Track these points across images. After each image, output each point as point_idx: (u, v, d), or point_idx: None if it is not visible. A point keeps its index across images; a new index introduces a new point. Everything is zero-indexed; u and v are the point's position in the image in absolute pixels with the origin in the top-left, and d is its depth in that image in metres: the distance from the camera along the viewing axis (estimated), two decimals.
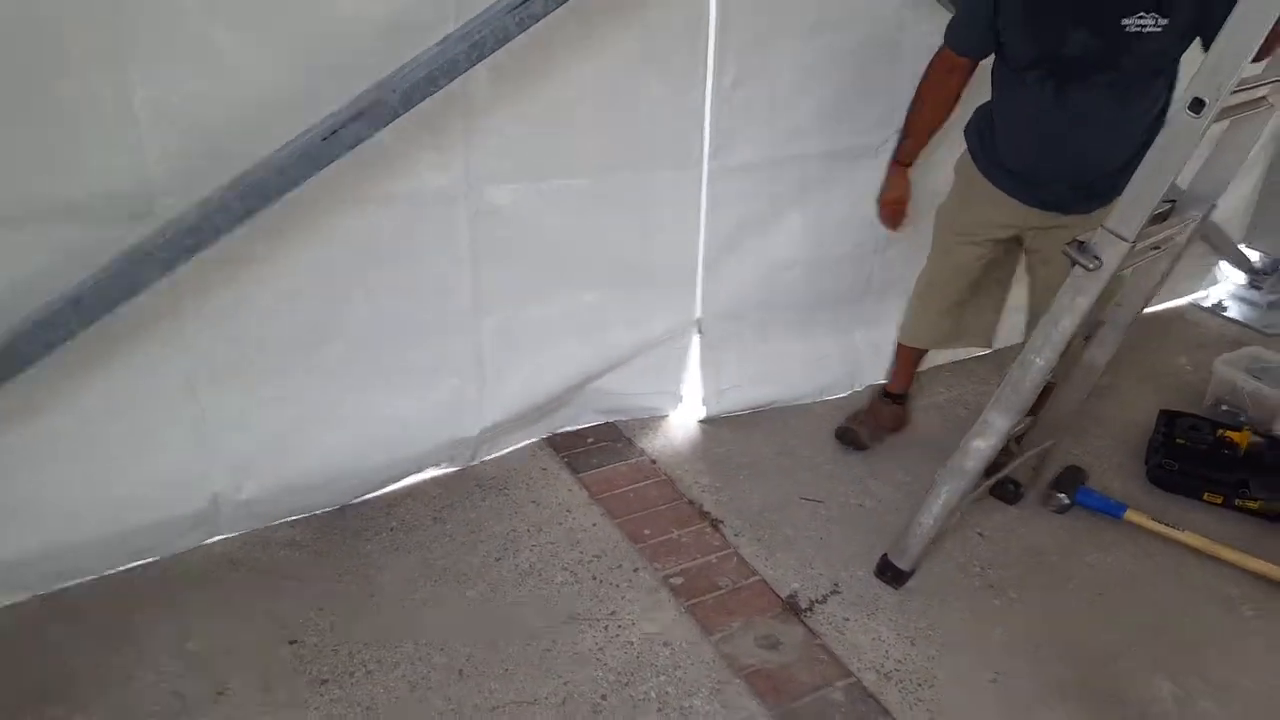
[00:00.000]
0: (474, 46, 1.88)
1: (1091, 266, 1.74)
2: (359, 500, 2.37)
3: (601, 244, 2.40)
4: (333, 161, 1.84)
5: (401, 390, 2.28)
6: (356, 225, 2.06)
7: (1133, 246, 1.71)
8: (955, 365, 3.19)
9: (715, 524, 2.39)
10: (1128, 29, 1.90)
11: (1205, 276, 3.76)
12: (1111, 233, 1.72)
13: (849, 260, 2.78)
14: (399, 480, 2.41)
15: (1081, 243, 1.75)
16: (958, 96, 2.30)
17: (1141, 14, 1.88)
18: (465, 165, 2.12)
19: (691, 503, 2.47)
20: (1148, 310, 3.50)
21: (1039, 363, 1.88)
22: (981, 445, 2.02)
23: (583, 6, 2.02)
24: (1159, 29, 1.89)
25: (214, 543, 2.23)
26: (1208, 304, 3.73)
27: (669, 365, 2.73)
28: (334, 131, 1.83)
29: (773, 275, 2.71)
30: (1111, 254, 1.73)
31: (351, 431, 2.25)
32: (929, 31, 2.50)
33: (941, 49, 2.23)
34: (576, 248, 2.37)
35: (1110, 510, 2.45)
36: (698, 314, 2.67)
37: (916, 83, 2.40)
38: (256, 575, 2.16)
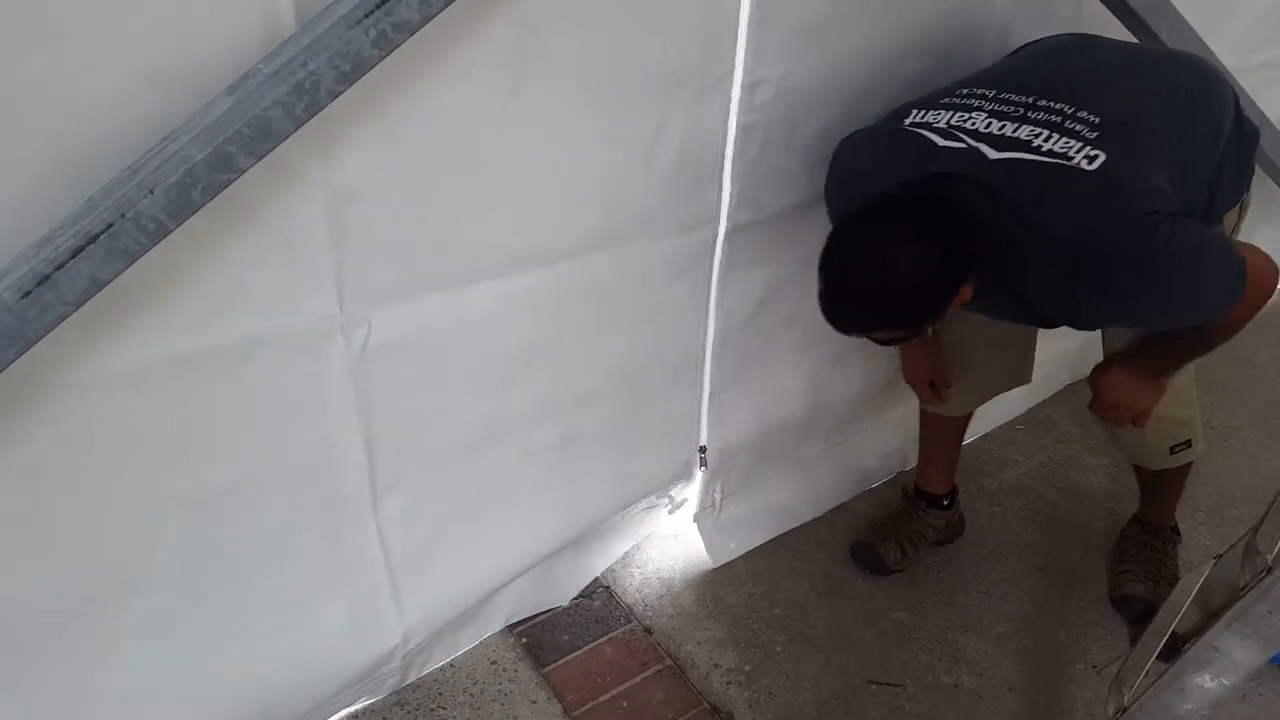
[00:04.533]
0: (298, 91, 1.02)
1: None
2: None
3: (562, 365, 1.55)
4: (48, 332, 0.99)
5: (264, 633, 1.44)
6: (155, 409, 1.18)
7: None
8: (1026, 416, 2.44)
9: None
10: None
11: None
12: None
13: None
14: None
15: None
16: None
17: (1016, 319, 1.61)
18: (336, 280, 1.24)
19: (716, 711, 1.69)
20: None
21: None
22: (1209, 684, 1.26)
23: None
24: None
25: None
26: None
27: (671, 484, 1.92)
28: (42, 280, 0.97)
29: (798, 358, 1.90)
30: None
31: (189, 714, 1.42)
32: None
33: None
34: (524, 376, 1.52)
35: None
36: (703, 436, 1.85)
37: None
38: None
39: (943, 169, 1.36)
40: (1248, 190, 1.60)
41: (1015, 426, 2.40)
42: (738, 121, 1.48)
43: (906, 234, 1.30)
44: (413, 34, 1.06)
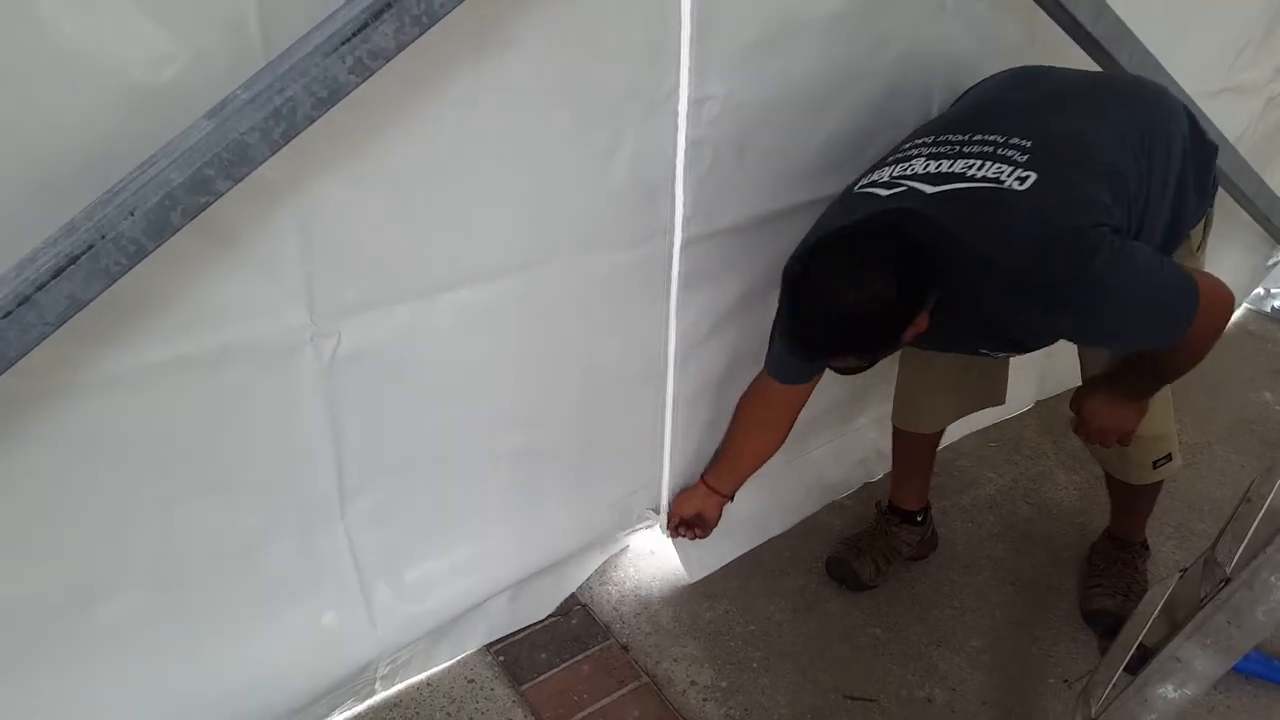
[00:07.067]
0: (276, 117, 1.05)
1: None
2: None
3: (526, 372, 1.59)
4: (28, 351, 1.01)
5: (237, 642, 1.45)
6: (127, 415, 1.21)
7: None
8: (997, 432, 2.47)
9: None
10: (982, 351, 1.68)
11: (1258, 268, 3.05)
12: None
13: None
14: None
15: None
16: (790, 423, 1.82)
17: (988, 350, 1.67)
18: (307, 293, 1.28)
19: None
20: None
21: None
22: (1172, 695, 1.29)
23: (473, 21, 1.20)
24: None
25: None
26: (1270, 307, 3.08)
27: (638, 499, 1.94)
28: (23, 300, 0.98)
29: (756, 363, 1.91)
30: None
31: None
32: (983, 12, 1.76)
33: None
34: (490, 384, 1.55)
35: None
36: (668, 434, 1.88)
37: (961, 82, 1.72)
38: None
39: (887, 208, 1.40)
40: (1211, 205, 1.64)
41: (988, 443, 2.44)
42: (687, 137, 1.52)
43: (862, 263, 1.34)
44: (388, 61, 1.09)
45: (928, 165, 1.42)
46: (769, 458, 1.86)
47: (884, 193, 1.43)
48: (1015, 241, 1.33)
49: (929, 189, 1.38)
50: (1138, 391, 1.62)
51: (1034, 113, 1.49)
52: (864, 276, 1.33)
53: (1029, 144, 1.39)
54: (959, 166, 1.39)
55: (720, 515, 1.92)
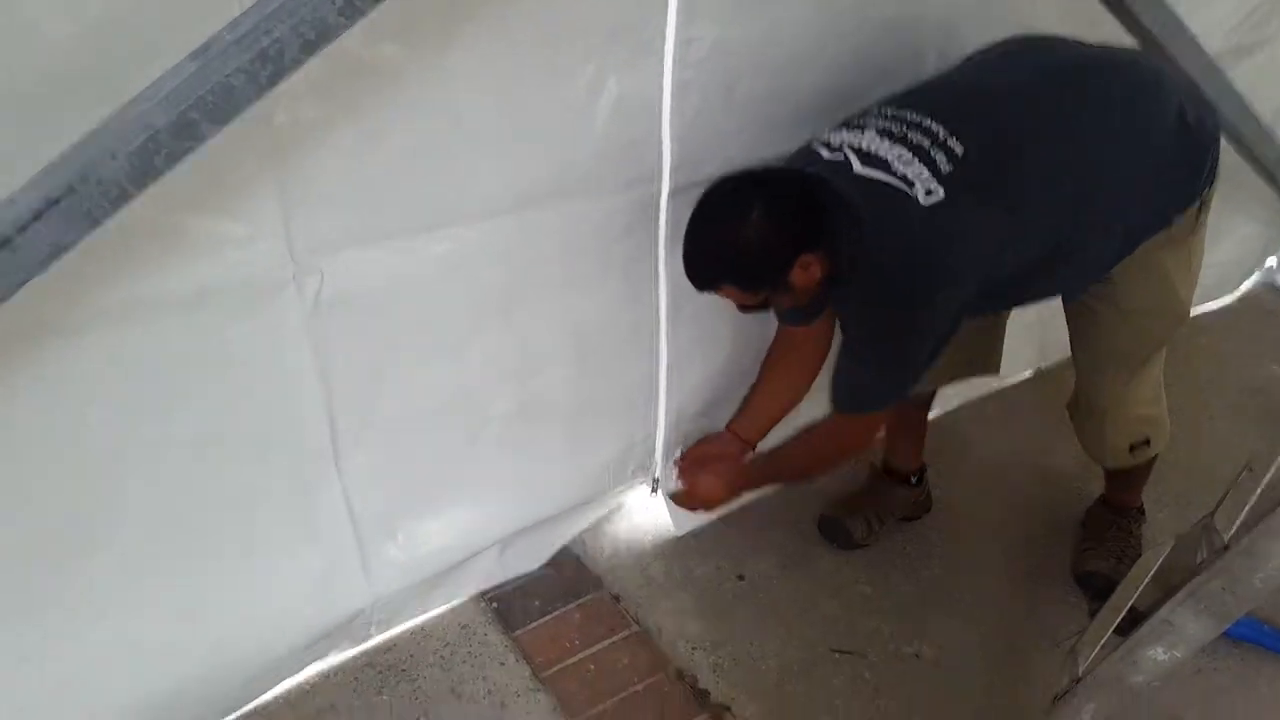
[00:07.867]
0: (262, 59, 1.03)
1: None
2: None
3: (515, 317, 1.58)
4: (8, 297, 1.00)
5: (233, 586, 1.48)
6: (113, 356, 1.21)
7: None
8: (996, 399, 2.45)
9: (721, 715, 1.65)
10: None
11: (1271, 240, 2.97)
12: None
13: None
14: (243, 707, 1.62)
15: None
16: (812, 367, 1.79)
17: None
18: (285, 230, 1.27)
19: (681, 675, 1.72)
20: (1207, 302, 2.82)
21: None
22: (1162, 657, 1.29)
23: None
24: None
25: None
26: None
27: (631, 455, 1.94)
28: (3, 243, 0.98)
29: (750, 327, 1.87)
30: None
31: (149, 668, 1.44)
32: None
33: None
34: (479, 333, 1.55)
35: (1273, 645, 1.77)
36: (662, 391, 1.87)
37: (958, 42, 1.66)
38: None
39: (815, 171, 1.45)
40: (1209, 187, 1.58)
41: (986, 410, 2.42)
42: (673, 78, 1.50)
43: (744, 196, 1.41)
44: (380, 3, 1.06)
45: (871, 140, 1.45)
46: (794, 403, 1.84)
47: (825, 153, 1.47)
48: (893, 242, 1.41)
49: (858, 165, 1.43)
50: (754, 483, 1.84)
51: (1003, 104, 1.48)
52: (742, 207, 1.40)
53: (960, 152, 1.41)
54: (893, 154, 1.43)
55: (739, 462, 1.85)
